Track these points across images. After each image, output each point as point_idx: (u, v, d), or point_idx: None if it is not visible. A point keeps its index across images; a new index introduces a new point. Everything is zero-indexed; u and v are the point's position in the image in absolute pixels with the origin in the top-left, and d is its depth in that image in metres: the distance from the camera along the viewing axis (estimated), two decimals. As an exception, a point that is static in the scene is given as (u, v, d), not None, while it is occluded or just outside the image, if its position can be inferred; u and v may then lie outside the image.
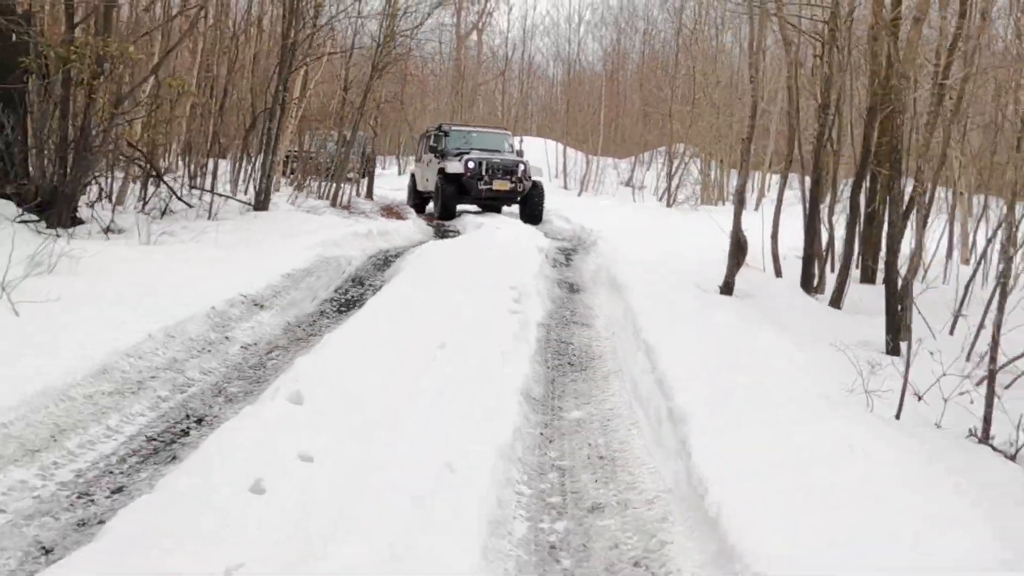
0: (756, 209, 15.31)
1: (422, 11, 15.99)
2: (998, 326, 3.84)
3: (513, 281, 6.77)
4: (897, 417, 3.76)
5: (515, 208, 14.35)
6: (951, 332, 5.62)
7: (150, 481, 3.09)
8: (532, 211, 14.13)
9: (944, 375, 4.02)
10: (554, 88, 37.69)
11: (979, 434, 3.58)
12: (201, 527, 2.51)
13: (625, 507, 3.10)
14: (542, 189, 14.56)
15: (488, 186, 13.84)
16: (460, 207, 14.07)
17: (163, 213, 9.11)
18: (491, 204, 14.45)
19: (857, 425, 3.42)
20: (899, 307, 5.21)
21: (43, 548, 2.61)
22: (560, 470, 3.49)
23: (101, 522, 2.72)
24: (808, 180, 7.25)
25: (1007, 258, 4.35)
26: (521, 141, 18.17)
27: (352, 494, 2.83)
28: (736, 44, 22.71)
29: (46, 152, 7.76)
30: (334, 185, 12.90)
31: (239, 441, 3.18)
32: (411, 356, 4.47)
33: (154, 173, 9.16)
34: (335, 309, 6.34)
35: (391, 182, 21.83)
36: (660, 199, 20.85)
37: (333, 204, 12.47)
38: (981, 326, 5.02)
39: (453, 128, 15.85)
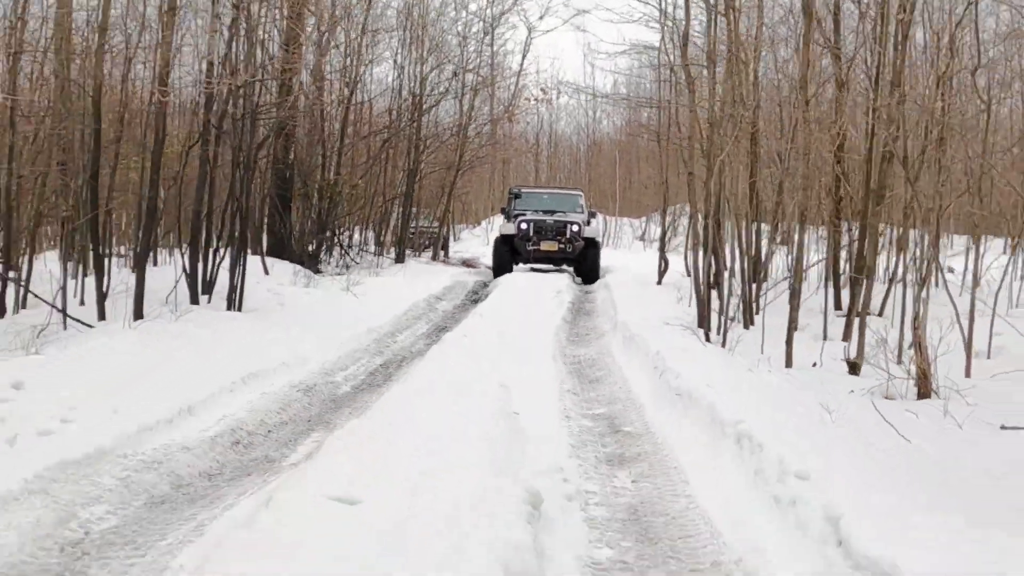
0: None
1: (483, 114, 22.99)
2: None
3: (556, 288, 13.82)
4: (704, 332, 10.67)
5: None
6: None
7: (433, 342, 10.08)
8: (585, 270, 15.03)
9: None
10: (579, 160, 45.23)
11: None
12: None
13: (594, 329, 10.11)
14: (598, 250, 15.31)
15: (536, 247, 14.87)
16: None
17: (347, 266, 16.39)
18: (544, 263, 15.35)
19: (673, 305, 10.43)
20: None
21: (412, 353, 9.66)
22: (576, 331, 10.48)
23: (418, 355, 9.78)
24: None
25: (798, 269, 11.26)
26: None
27: (517, 329, 9.83)
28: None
29: (305, 236, 15.14)
30: (432, 248, 20.25)
31: (472, 322, 10.25)
32: (521, 306, 11.55)
33: (348, 245, 16.57)
34: (471, 300, 13.44)
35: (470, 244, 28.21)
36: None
37: (434, 259, 19.77)
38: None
39: (524, 190, 17.03)
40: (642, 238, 33.41)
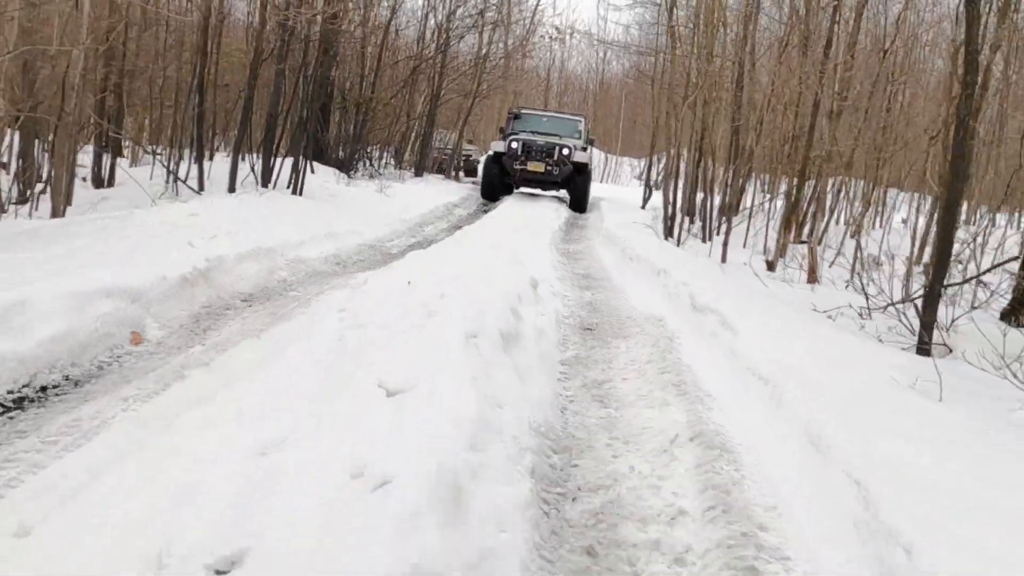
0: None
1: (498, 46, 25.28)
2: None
3: (556, 204, 16.32)
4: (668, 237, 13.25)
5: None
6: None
7: (452, 230, 12.67)
8: (574, 197, 15.35)
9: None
10: (587, 99, 47.28)
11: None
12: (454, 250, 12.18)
13: (583, 235, 12.69)
14: (589, 175, 15.29)
15: (523, 166, 14.83)
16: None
17: (372, 176, 18.86)
18: (530, 185, 15.59)
19: (649, 220, 13.03)
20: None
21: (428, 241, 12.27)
22: (568, 236, 13.06)
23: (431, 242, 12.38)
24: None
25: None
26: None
27: (523, 229, 12.41)
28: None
29: (341, 142, 17.58)
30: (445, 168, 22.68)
31: (485, 220, 12.82)
32: (525, 216, 14.11)
33: (378, 157, 19.03)
34: (483, 210, 15.99)
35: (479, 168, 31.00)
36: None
37: (447, 178, 22.22)
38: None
39: (524, 111, 16.88)
40: (639, 177, 35.88)
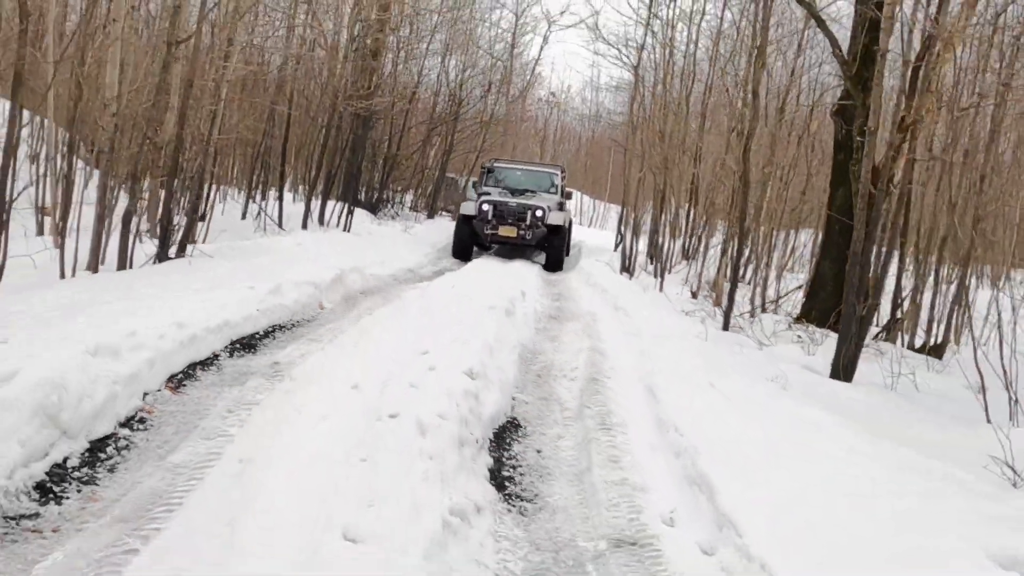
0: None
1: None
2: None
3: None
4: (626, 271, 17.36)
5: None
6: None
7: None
8: (550, 258, 14.89)
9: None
10: (580, 148, 51.88)
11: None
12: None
13: (563, 271, 16.81)
14: (565, 237, 15.15)
15: (495, 231, 14.59)
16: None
17: (394, 217, 23.01)
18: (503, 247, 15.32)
19: (616, 260, 17.20)
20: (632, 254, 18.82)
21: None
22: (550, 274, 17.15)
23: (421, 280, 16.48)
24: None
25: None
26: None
27: (515, 265, 16.51)
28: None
29: (370, 189, 21.77)
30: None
31: (486, 255, 16.95)
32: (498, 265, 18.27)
33: (399, 201, 23.26)
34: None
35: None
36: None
37: (454, 219, 26.40)
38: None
39: (498, 164, 16.75)
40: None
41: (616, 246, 21.17)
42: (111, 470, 4.03)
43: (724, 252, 16.22)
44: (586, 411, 5.59)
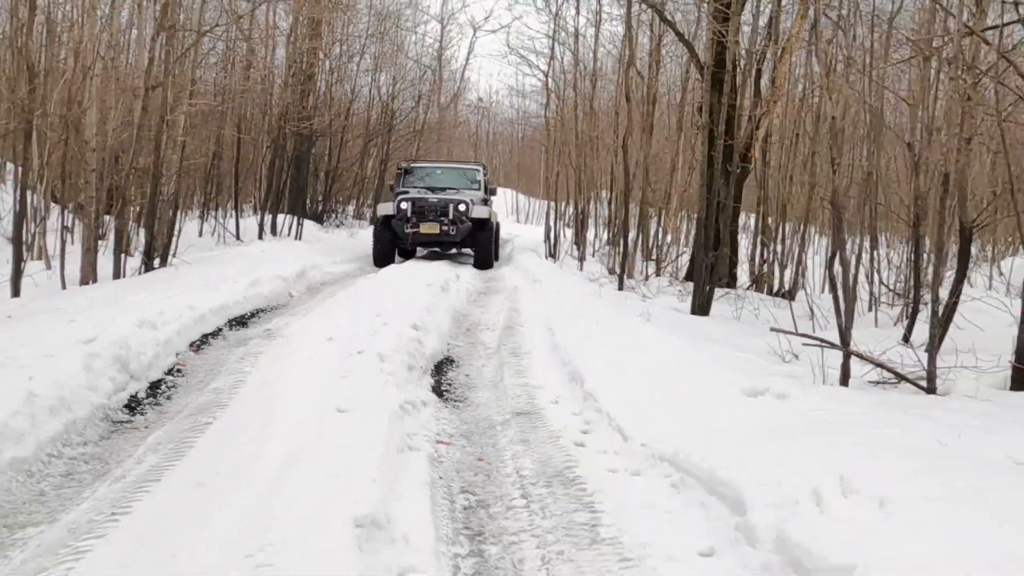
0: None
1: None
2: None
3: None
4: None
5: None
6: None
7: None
8: (478, 255, 14.22)
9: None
10: (512, 151, 53.97)
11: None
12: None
13: (495, 268, 18.87)
14: (493, 231, 14.48)
15: (415, 229, 13.69)
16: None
17: (338, 225, 24.78)
18: (428, 247, 14.49)
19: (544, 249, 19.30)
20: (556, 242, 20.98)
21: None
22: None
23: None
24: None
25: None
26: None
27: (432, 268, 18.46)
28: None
29: (315, 200, 23.53)
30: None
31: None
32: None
33: (341, 211, 25.07)
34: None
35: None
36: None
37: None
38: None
39: (415, 165, 15.95)
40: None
41: (546, 237, 23.27)
42: (169, 397, 5.93)
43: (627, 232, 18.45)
44: (503, 347, 7.62)
